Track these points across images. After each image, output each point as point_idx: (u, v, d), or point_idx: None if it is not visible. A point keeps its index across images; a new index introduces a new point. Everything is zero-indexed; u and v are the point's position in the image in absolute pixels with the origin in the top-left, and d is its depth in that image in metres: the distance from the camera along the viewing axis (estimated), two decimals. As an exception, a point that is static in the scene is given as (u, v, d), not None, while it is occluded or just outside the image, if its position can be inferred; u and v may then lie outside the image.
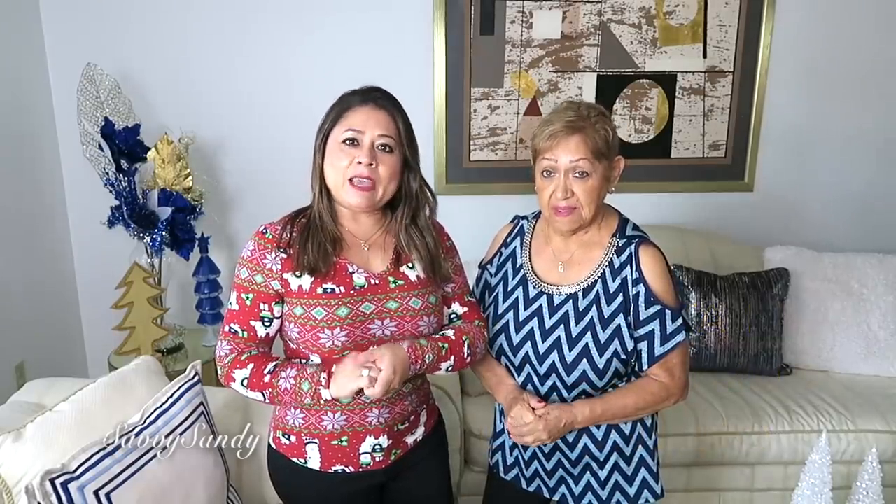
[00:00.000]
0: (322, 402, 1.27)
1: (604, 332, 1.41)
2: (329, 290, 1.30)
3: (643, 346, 1.41)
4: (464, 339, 1.38)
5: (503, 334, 1.49)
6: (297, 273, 1.30)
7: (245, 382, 1.29)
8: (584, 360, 1.41)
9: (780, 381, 2.44)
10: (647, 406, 1.43)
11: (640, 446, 1.50)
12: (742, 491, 2.26)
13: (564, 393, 1.44)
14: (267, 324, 1.33)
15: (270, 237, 1.32)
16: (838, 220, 2.92)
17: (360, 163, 1.28)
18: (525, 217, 1.60)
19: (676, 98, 2.74)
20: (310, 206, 1.39)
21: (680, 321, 1.41)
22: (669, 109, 2.75)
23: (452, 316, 1.46)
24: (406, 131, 1.34)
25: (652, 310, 1.40)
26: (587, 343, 1.41)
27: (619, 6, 2.63)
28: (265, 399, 1.30)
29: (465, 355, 1.38)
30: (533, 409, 1.38)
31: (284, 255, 1.31)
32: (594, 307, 1.42)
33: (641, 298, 1.40)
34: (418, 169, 1.38)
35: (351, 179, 1.29)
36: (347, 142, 1.30)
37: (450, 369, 1.37)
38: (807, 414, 2.24)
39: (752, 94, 2.75)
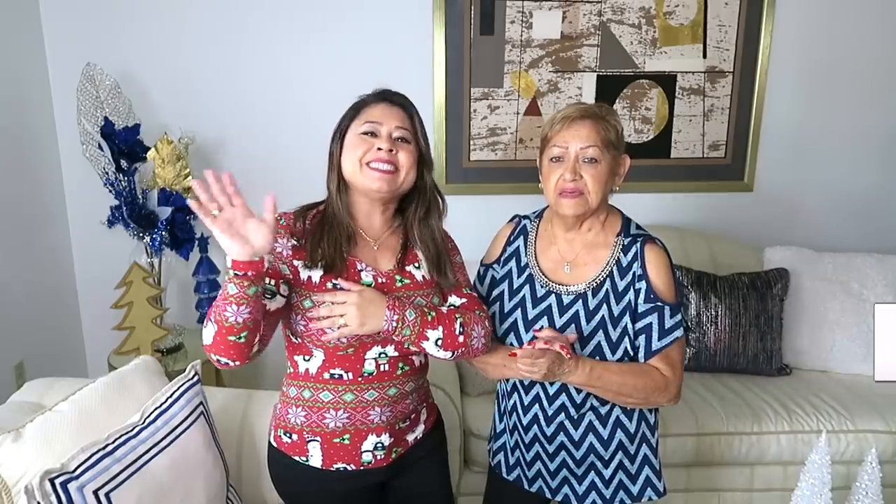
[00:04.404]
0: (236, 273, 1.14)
1: (615, 330, 1.41)
2: (338, 287, 1.30)
3: (641, 339, 1.42)
4: (456, 316, 1.35)
5: (512, 332, 1.49)
6: (309, 265, 1.30)
7: (206, 322, 1.22)
8: (597, 358, 1.41)
9: (780, 381, 2.44)
10: (643, 391, 1.39)
11: (643, 444, 1.51)
12: (742, 491, 2.26)
13: (573, 390, 1.45)
14: (269, 296, 1.25)
15: (284, 224, 1.33)
16: (838, 220, 2.92)
17: (380, 149, 1.31)
18: (527, 217, 1.60)
19: (676, 98, 2.74)
20: (322, 202, 1.40)
21: (679, 317, 1.42)
22: (669, 109, 2.75)
23: (450, 307, 1.43)
24: (420, 128, 1.39)
25: (649, 304, 1.41)
26: (599, 342, 1.42)
27: (618, 6, 2.63)
28: (213, 320, 1.20)
29: (457, 332, 1.32)
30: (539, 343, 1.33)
31: (296, 244, 1.32)
32: (604, 306, 1.42)
33: (642, 294, 1.41)
34: (433, 165, 1.42)
35: (368, 163, 1.31)
36: (366, 134, 1.33)
37: (440, 343, 1.31)
38: (806, 414, 2.24)
39: (751, 95, 2.76)
